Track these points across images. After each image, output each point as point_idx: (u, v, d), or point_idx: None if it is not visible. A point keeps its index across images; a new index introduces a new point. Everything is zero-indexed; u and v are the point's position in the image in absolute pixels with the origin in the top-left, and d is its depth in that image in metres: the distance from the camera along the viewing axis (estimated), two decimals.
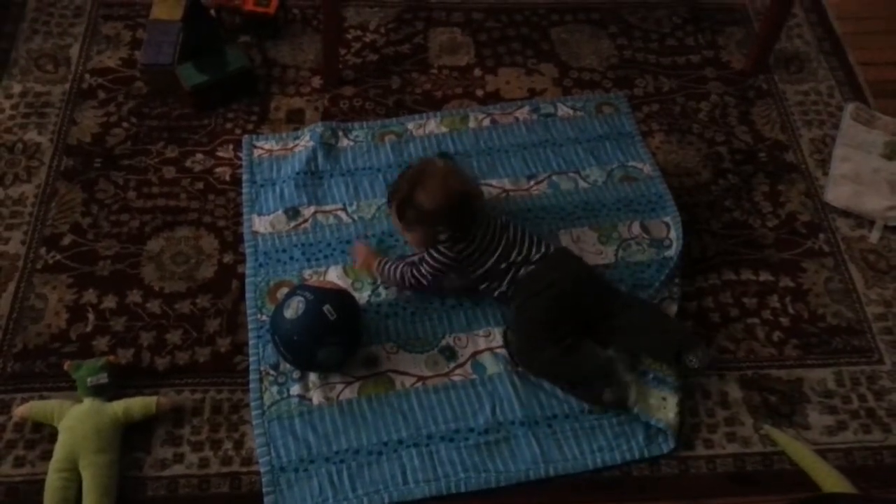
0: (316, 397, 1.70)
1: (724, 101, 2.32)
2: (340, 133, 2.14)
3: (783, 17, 2.30)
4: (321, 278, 1.87)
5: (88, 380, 1.65)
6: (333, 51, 2.23)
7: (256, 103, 2.21)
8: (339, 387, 1.73)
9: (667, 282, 1.88)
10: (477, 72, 2.34)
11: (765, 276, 1.97)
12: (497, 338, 1.80)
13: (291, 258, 1.91)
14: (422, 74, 2.32)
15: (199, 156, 2.10)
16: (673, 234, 1.98)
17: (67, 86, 2.21)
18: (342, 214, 1.99)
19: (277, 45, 2.35)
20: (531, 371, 1.75)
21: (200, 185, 2.04)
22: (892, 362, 1.86)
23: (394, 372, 1.75)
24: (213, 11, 2.29)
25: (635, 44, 2.44)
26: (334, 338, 1.68)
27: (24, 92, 2.19)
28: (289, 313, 1.66)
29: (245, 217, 1.98)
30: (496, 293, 1.80)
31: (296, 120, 2.19)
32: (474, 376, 1.76)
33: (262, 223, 1.96)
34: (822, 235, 2.06)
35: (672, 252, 1.95)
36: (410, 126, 2.17)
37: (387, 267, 1.82)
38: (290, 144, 2.12)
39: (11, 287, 1.84)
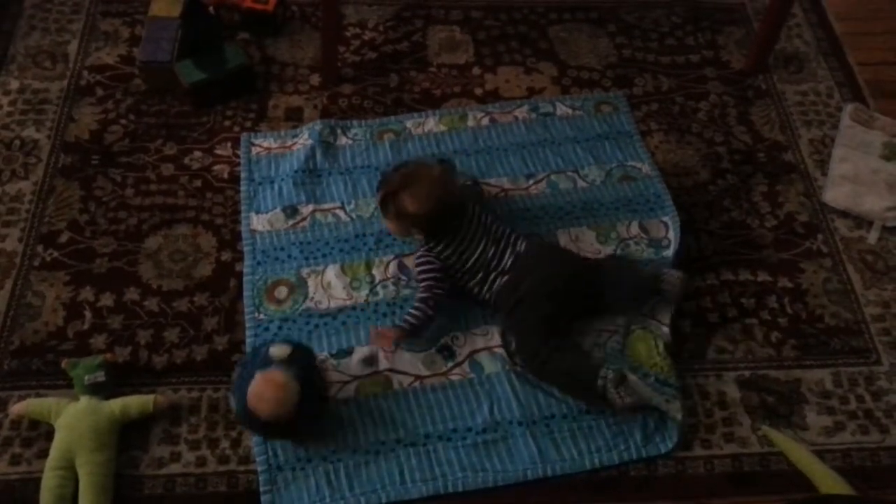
0: None
1: (724, 101, 2.32)
2: (339, 131, 2.14)
3: (783, 17, 2.29)
4: (319, 277, 1.87)
5: (85, 378, 1.64)
6: (332, 49, 2.23)
7: (255, 101, 2.21)
8: (337, 386, 1.72)
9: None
10: (476, 70, 2.33)
11: (763, 277, 1.97)
12: (495, 337, 1.80)
13: (289, 256, 1.91)
14: (420, 73, 2.31)
15: (198, 153, 2.09)
16: (671, 234, 1.98)
17: (65, 82, 2.21)
18: (340, 213, 1.99)
19: (276, 42, 2.35)
20: (534, 373, 1.74)
21: (198, 183, 2.04)
22: (890, 363, 1.86)
23: (391, 371, 1.75)
24: (211, 8, 2.28)
25: (634, 43, 2.44)
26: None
27: (21, 88, 2.18)
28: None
29: (243, 215, 1.97)
30: (479, 298, 1.81)
31: (294, 118, 2.18)
32: (472, 376, 1.76)
33: (260, 221, 1.96)
34: (820, 236, 2.06)
35: (670, 252, 1.95)
36: (409, 124, 2.17)
37: (407, 320, 1.75)
38: (289, 142, 2.12)
39: (8, 284, 1.84)
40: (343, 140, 2.13)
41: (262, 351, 1.61)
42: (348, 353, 1.77)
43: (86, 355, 1.71)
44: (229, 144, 2.11)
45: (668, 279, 1.82)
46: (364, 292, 1.86)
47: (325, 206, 2.00)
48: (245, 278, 1.87)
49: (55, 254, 1.89)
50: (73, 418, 1.60)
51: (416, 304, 1.77)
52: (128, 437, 1.65)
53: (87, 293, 1.84)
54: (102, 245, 1.91)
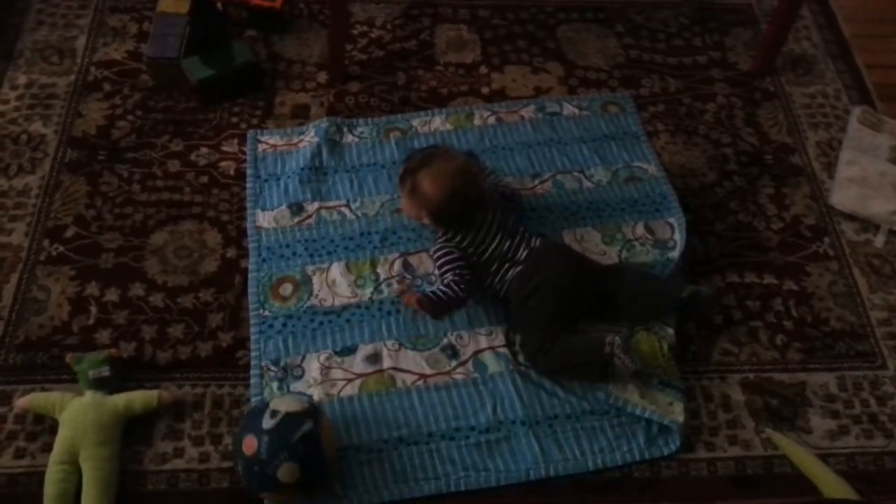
0: (317, 394, 1.70)
1: (731, 103, 2.31)
2: (345, 129, 2.14)
3: (791, 18, 2.29)
4: (324, 274, 1.87)
5: (90, 373, 1.65)
6: (339, 46, 2.23)
7: (262, 98, 2.21)
8: (340, 384, 1.72)
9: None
10: (483, 69, 2.33)
11: (769, 279, 1.97)
12: (499, 336, 1.80)
13: (294, 254, 1.91)
14: (427, 71, 2.31)
15: (204, 150, 2.09)
16: (677, 236, 1.98)
17: (73, 78, 2.21)
18: (346, 211, 1.99)
19: (283, 39, 2.35)
20: (538, 369, 1.74)
21: (205, 180, 2.04)
22: None
23: (395, 370, 1.75)
24: (219, 5, 2.29)
25: (642, 43, 2.43)
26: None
27: (29, 83, 2.19)
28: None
29: (249, 212, 1.98)
30: (489, 290, 1.81)
31: (301, 115, 2.18)
32: (476, 375, 1.75)
33: (265, 218, 1.96)
34: (826, 239, 2.05)
35: (675, 253, 1.94)
36: (415, 123, 2.17)
37: (436, 293, 1.76)
38: (295, 140, 2.12)
39: (14, 278, 1.84)
40: (349, 138, 2.13)
41: (269, 472, 1.46)
42: (352, 350, 1.77)
43: (91, 350, 1.72)
44: (236, 141, 2.11)
45: (704, 303, 1.77)
46: (369, 290, 1.86)
47: (331, 203, 2.00)
48: (250, 275, 1.87)
49: (61, 248, 1.90)
50: (78, 413, 1.60)
51: (445, 287, 1.76)
52: (132, 432, 1.65)
53: (92, 288, 1.84)
54: (108, 240, 1.92)
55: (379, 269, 1.89)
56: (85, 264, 1.88)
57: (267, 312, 1.81)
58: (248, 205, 1.99)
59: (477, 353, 1.78)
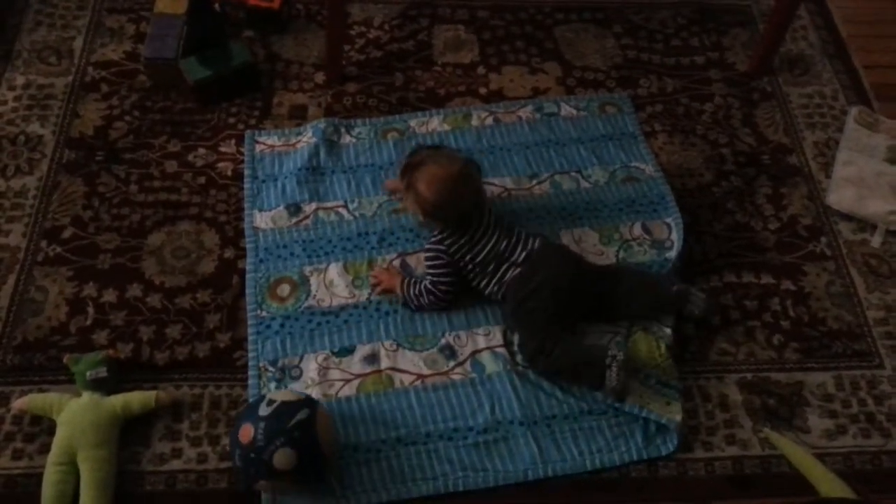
0: (315, 395, 1.70)
1: (728, 103, 2.31)
2: (343, 129, 2.14)
3: (788, 19, 2.29)
4: (322, 275, 1.87)
5: (87, 373, 1.65)
6: (337, 47, 2.23)
7: (259, 98, 2.21)
8: (338, 384, 1.72)
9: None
10: (480, 70, 2.33)
11: (766, 279, 1.97)
12: (497, 337, 1.80)
13: (292, 254, 1.91)
14: (425, 72, 2.31)
15: (202, 150, 2.09)
16: (674, 236, 1.98)
17: (70, 78, 2.21)
18: (343, 211, 1.99)
19: (281, 40, 2.35)
20: (537, 370, 1.74)
21: (202, 180, 2.04)
22: (893, 367, 1.86)
23: (393, 370, 1.75)
24: (217, 6, 2.29)
25: (640, 44, 2.43)
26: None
27: (27, 84, 2.19)
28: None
29: (246, 212, 1.98)
30: (486, 291, 1.81)
31: (298, 116, 2.18)
32: (473, 375, 1.76)
33: (263, 219, 1.96)
34: (823, 239, 2.05)
35: (672, 253, 1.95)
36: (413, 123, 2.17)
37: (411, 283, 1.82)
38: (293, 140, 2.12)
39: (12, 279, 1.84)
40: (347, 138, 2.13)
41: (265, 458, 1.46)
42: (350, 351, 1.77)
43: (88, 351, 1.72)
44: (233, 142, 2.11)
45: (694, 301, 1.79)
46: (366, 291, 1.86)
47: (329, 204, 2.00)
48: (248, 275, 1.87)
49: (58, 249, 1.90)
50: (75, 414, 1.60)
51: (420, 290, 1.79)
52: (129, 433, 1.65)
53: (90, 289, 1.84)
54: (106, 241, 1.92)
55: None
56: (82, 265, 1.88)
57: (265, 313, 1.81)
58: (246, 205, 1.99)
59: (475, 353, 1.78)
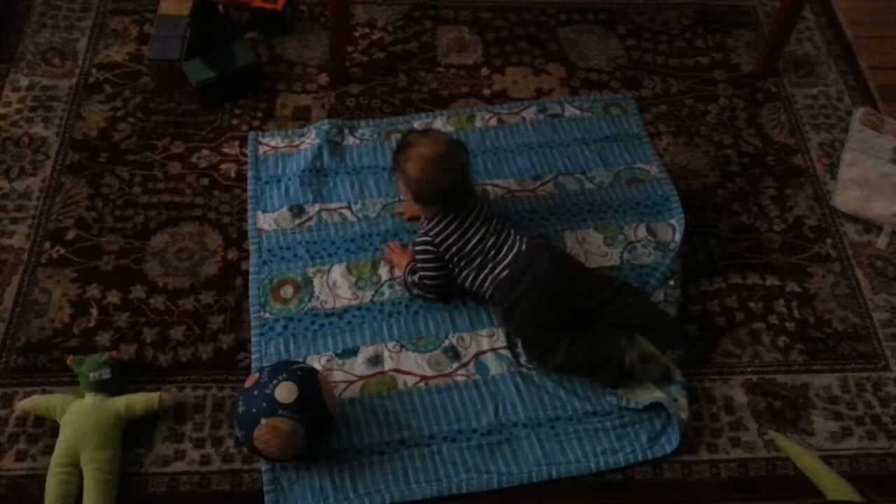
0: None
1: (733, 104, 2.30)
2: (346, 131, 2.14)
3: (793, 19, 2.28)
4: (325, 277, 1.87)
5: (91, 375, 1.65)
6: (341, 48, 2.23)
7: (263, 100, 2.21)
8: (342, 386, 1.72)
9: (663, 281, 1.88)
10: (484, 71, 2.33)
11: (771, 281, 1.96)
12: (500, 338, 1.80)
13: (295, 256, 1.90)
14: (429, 73, 2.31)
15: (205, 152, 2.09)
16: (678, 238, 1.97)
17: (74, 80, 2.21)
18: (347, 213, 1.99)
19: (285, 41, 2.35)
20: (547, 368, 1.74)
21: (206, 182, 2.04)
22: None
23: (396, 371, 1.75)
24: (220, 7, 2.29)
25: (644, 45, 2.43)
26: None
27: (30, 85, 2.19)
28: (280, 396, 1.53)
29: (250, 214, 1.97)
30: (472, 287, 1.80)
31: (302, 117, 2.18)
32: (477, 377, 1.75)
33: (266, 220, 1.96)
34: (829, 240, 2.04)
35: (671, 255, 1.94)
36: (417, 125, 2.17)
37: (409, 268, 1.84)
38: (296, 142, 2.12)
39: (15, 281, 1.84)
40: (350, 140, 2.12)
41: (268, 391, 1.52)
42: (353, 352, 1.77)
43: (91, 352, 1.72)
44: (237, 143, 2.11)
45: (677, 345, 1.76)
46: (370, 292, 1.86)
47: (332, 205, 2.00)
48: (251, 277, 1.87)
49: (62, 251, 1.90)
50: (78, 415, 1.60)
51: (413, 280, 1.81)
52: (132, 434, 1.65)
53: (93, 290, 1.84)
54: (109, 242, 1.92)
55: (380, 271, 1.89)
56: (86, 266, 1.88)
57: (268, 314, 1.81)
58: (249, 207, 1.99)
59: (478, 354, 1.78)
